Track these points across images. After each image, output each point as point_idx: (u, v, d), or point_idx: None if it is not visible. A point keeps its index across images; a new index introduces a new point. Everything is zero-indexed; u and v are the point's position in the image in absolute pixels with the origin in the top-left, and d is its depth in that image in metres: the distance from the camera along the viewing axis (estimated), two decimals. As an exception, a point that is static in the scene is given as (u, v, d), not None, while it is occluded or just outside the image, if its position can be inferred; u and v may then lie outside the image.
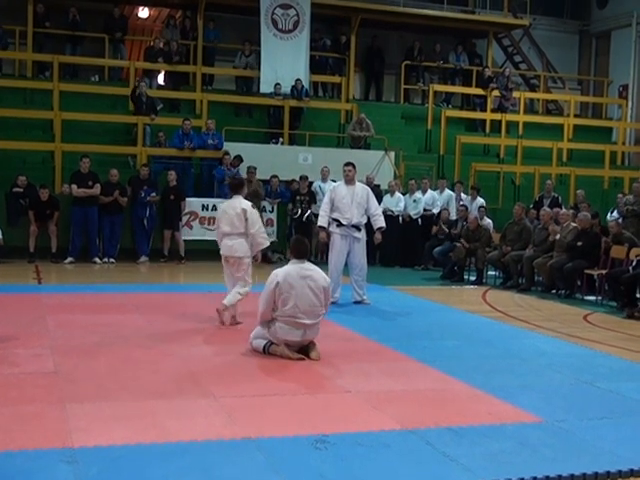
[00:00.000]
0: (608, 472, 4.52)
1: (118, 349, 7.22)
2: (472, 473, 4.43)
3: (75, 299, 10.08)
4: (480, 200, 15.81)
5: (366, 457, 4.60)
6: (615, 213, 14.42)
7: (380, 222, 10.69)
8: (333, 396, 5.96)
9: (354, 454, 4.63)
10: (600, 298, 11.83)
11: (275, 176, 15.67)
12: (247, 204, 8.72)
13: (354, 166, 10.73)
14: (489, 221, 14.95)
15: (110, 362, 6.70)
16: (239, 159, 15.73)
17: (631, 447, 4.95)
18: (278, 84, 18.28)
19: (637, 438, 5.17)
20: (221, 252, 8.78)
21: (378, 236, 10.81)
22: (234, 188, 9.06)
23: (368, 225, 10.82)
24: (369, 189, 10.97)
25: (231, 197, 8.99)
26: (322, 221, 10.58)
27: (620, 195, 15.16)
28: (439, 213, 15.64)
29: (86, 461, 4.36)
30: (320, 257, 14.83)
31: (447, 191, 16.27)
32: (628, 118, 22.53)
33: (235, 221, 8.62)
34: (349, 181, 10.58)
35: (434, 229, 15.39)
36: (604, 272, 11.68)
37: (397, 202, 15.61)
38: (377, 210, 10.78)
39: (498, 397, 5.95)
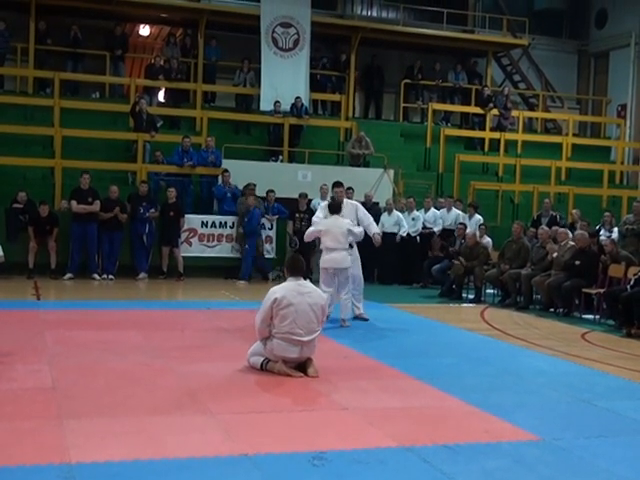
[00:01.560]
0: (604, 490, 4.53)
1: (116, 365, 7.23)
2: (468, 491, 4.44)
3: (74, 315, 10.10)
4: (478, 217, 15.85)
5: (363, 474, 4.60)
6: (603, 231, 14.44)
7: (374, 228, 10.89)
8: (330, 413, 5.97)
9: (351, 471, 4.64)
10: (598, 317, 11.85)
11: (271, 191, 15.70)
12: (349, 222, 10.26)
13: (343, 186, 11.00)
14: (489, 239, 14.99)
15: (108, 378, 6.70)
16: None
17: (628, 466, 4.95)
18: (278, 102, 18.38)
19: (634, 457, 5.18)
20: (324, 265, 10.20)
21: (377, 237, 10.86)
22: (335, 209, 10.29)
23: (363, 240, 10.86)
24: (357, 204, 11.05)
25: (330, 216, 10.27)
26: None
27: (607, 214, 15.18)
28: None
29: (83, 477, 4.36)
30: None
31: (454, 210, 16.28)
32: (626, 137, 22.63)
33: (340, 238, 10.10)
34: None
35: (433, 249, 15.41)
36: (602, 291, 11.71)
37: (396, 220, 15.64)
38: (369, 220, 10.85)
39: (495, 415, 5.95)
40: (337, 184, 10.95)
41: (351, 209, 10.70)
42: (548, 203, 16.27)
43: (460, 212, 16.23)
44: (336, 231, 10.09)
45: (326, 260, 10.18)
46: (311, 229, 10.58)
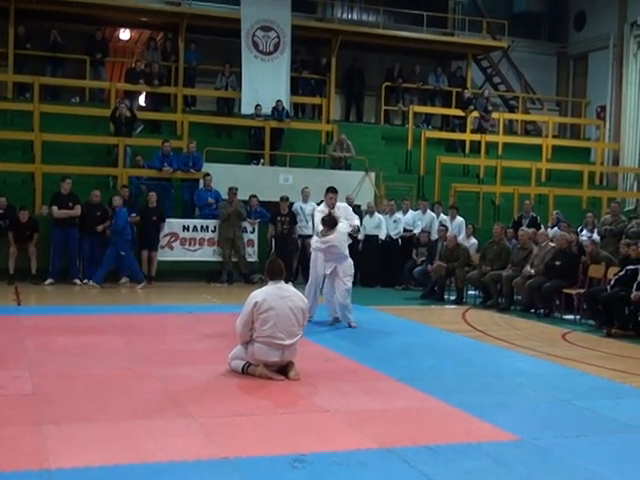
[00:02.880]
0: (583, 489, 4.56)
1: (97, 371, 7.20)
2: (448, 491, 4.47)
3: (54, 321, 10.05)
4: (460, 219, 15.91)
5: (343, 476, 4.62)
6: (585, 232, 14.54)
7: (356, 222, 11.04)
8: (311, 415, 5.98)
9: (331, 473, 4.65)
10: (579, 317, 11.93)
11: (254, 196, 15.70)
12: (345, 226, 10.48)
13: (336, 192, 10.94)
14: (475, 241, 15.07)
15: (88, 384, 6.68)
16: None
17: (606, 464, 4.99)
18: (259, 105, 18.37)
19: (612, 455, 5.22)
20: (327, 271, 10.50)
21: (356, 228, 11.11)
22: (332, 225, 10.27)
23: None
24: (346, 205, 11.18)
25: (325, 233, 10.32)
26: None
27: (589, 214, 15.29)
28: (418, 237, 15.68)
29: (63, 482, 4.36)
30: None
31: (429, 212, 16.34)
32: (606, 139, 22.77)
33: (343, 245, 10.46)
34: (332, 207, 10.67)
35: (414, 253, 15.44)
36: (582, 291, 11.78)
37: (378, 223, 15.68)
38: (354, 219, 10.98)
39: (475, 415, 5.98)
40: (331, 190, 10.78)
41: (344, 211, 10.75)
42: (529, 204, 16.36)
43: (434, 214, 16.27)
44: (340, 239, 10.36)
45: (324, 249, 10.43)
46: (316, 246, 10.61)
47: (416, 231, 15.94)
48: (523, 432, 5.57)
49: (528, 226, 14.70)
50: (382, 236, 15.62)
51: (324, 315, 10.64)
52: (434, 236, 15.48)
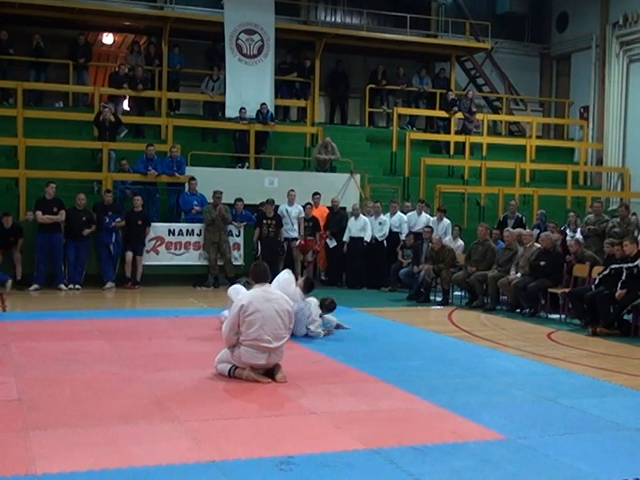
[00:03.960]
0: (569, 487, 4.59)
1: (82, 376, 7.19)
2: (435, 491, 4.48)
3: (40, 326, 10.00)
4: (446, 221, 15.95)
5: (330, 478, 4.62)
6: (568, 231, 14.62)
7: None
8: (298, 417, 5.98)
9: (319, 475, 4.65)
10: (564, 316, 11.99)
11: (240, 199, 15.69)
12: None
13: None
14: (461, 243, 15.12)
15: (74, 389, 6.66)
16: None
17: (592, 462, 5.02)
18: (243, 109, 18.36)
19: (597, 453, 5.25)
20: None
21: None
22: (309, 288, 9.95)
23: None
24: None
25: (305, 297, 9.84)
26: None
27: (572, 214, 15.39)
28: (404, 239, 15.70)
29: (49, 488, 4.35)
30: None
31: (424, 214, 16.31)
32: (589, 139, 22.89)
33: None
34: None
35: (400, 255, 15.45)
36: (567, 290, 11.84)
37: (363, 225, 15.69)
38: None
39: (462, 415, 6.00)
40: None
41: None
42: (514, 205, 16.43)
43: (429, 216, 16.26)
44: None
45: None
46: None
47: (403, 236, 15.88)
48: (509, 431, 5.60)
49: (514, 227, 14.77)
50: (367, 238, 15.64)
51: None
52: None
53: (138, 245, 14.78)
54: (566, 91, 24.21)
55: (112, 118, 16.57)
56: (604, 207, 18.74)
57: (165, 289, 14.66)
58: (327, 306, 9.98)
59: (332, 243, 15.82)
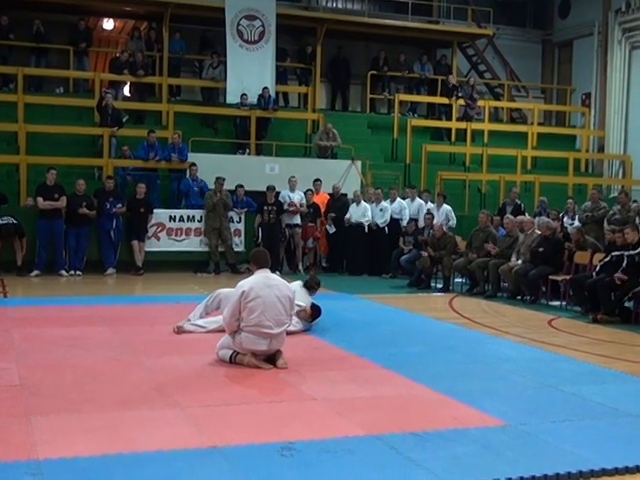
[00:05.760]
0: (569, 473, 4.58)
1: (84, 361, 7.20)
2: (436, 476, 4.48)
3: (41, 312, 10.01)
4: (446, 207, 15.93)
5: (331, 463, 4.63)
6: (565, 218, 14.62)
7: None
8: (299, 404, 5.99)
9: (319, 461, 4.66)
10: (564, 303, 11.99)
11: (241, 185, 15.68)
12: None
13: None
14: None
15: (76, 374, 6.68)
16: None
17: (592, 448, 5.03)
18: (244, 95, 18.31)
19: (598, 440, 5.25)
20: None
21: None
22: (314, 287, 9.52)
23: None
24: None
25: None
26: None
27: (570, 201, 15.37)
28: (405, 226, 15.67)
29: (51, 473, 4.35)
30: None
31: (417, 200, 16.34)
32: (591, 126, 22.84)
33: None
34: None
35: (401, 242, 15.43)
36: (568, 277, 11.84)
37: (364, 211, 15.68)
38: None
39: (462, 402, 6.01)
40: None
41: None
42: (515, 192, 16.42)
43: (422, 201, 16.25)
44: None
45: None
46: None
47: (404, 222, 15.85)
48: (510, 417, 5.61)
49: (512, 213, 14.79)
50: (366, 223, 15.60)
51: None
52: (421, 224, 15.50)
53: (140, 232, 14.79)
54: (568, 78, 24.13)
55: (114, 104, 16.53)
56: (605, 194, 18.76)
57: (166, 275, 14.67)
58: (314, 285, 9.50)
59: (331, 229, 15.81)
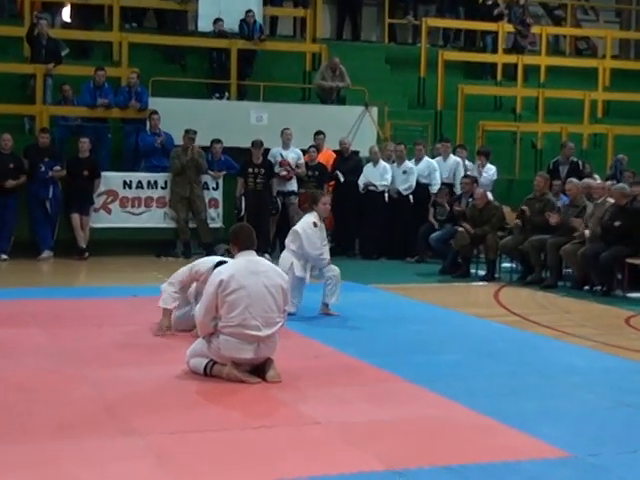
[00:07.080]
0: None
1: (11, 374, 7.19)
2: (478, 526, 4.49)
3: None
4: (491, 168, 15.86)
5: (339, 509, 4.64)
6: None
7: None
8: (296, 429, 5.98)
9: (324, 505, 4.67)
10: (648, 295, 12.02)
11: (218, 141, 15.65)
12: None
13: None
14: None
15: (2, 392, 6.66)
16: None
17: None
18: (220, 20, 18.22)
19: (692, 476, 5.25)
20: None
21: None
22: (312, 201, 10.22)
23: None
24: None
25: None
26: None
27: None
28: (436, 193, 15.63)
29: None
30: None
31: (452, 157, 16.27)
32: (682, 59, 22.80)
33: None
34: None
35: (430, 214, 15.39)
36: (652, 261, 11.84)
37: (382, 173, 15.64)
38: None
39: (513, 426, 5.99)
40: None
41: None
42: (571, 147, 16.30)
43: (459, 159, 16.19)
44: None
45: None
46: None
47: (434, 188, 15.80)
48: (576, 447, 5.59)
49: (567, 175, 14.74)
50: (382, 188, 15.57)
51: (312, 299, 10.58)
52: (458, 190, 15.46)
53: (84, 202, 14.77)
54: (652, -4, 24.07)
55: (49, 33, 16.48)
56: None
57: (120, 260, 14.68)
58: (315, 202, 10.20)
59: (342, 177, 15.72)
